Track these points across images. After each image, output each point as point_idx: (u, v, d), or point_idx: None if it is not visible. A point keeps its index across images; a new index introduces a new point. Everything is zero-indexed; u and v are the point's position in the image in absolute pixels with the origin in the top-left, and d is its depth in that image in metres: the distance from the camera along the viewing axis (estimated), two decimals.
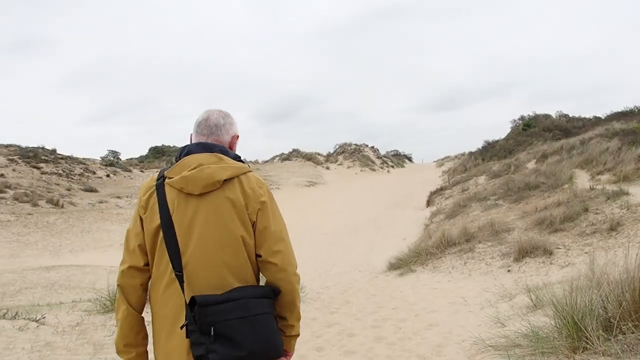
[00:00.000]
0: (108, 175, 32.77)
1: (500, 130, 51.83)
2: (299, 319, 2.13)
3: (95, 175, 31.89)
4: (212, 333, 1.77)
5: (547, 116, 50.38)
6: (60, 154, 33.24)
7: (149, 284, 2.04)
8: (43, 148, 33.01)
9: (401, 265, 12.61)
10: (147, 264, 2.01)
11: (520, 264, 9.57)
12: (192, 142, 2.14)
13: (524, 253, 9.77)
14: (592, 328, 3.76)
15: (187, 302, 1.85)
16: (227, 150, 2.09)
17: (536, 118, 49.87)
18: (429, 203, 28.35)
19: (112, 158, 39.09)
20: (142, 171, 35.83)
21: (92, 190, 27.99)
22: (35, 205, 22.04)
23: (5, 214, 20.14)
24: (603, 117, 42.60)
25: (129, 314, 2.03)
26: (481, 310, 6.85)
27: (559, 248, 9.73)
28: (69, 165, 31.68)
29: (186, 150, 2.04)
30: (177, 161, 2.02)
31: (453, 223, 16.50)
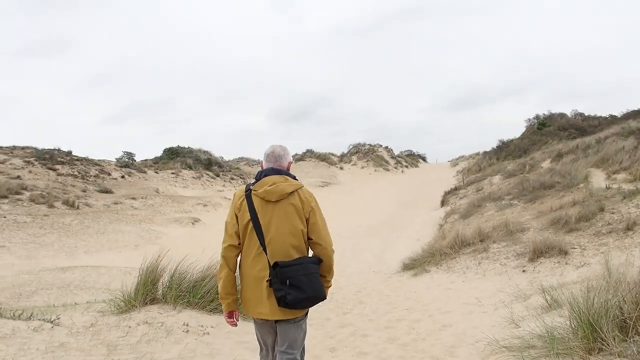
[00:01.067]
0: (123, 177, 33.01)
1: (517, 129, 51.36)
2: (332, 277, 3.47)
3: (111, 177, 32.15)
4: (287, 283, 3.08)
5: (562, 115, 49.92)
6: (75, 156, 33.56)
7: (239, 256, 3.30)
8: (59, 150, 33.35)
9: (415, 265, 12.56)
10: (239, 244, 3.27)
11: (535, 264, 9.48)
12: (264, 166, 3.43)
13: (538, 253, 9.67)
14: (608, 329, 3.70)
15: (271, 265, 3.14)
16: (288, 173, 3.43)
17: (551, 117, 49.44)
18: (443, 203, 28.22)
19: (127, 159, 39.36)
20: (156, 172, 36.03)
21: (107, 191, 28.21)
22: (51, 206, 22.27)
23: (21, 215, 20.38)
24: (619, 116, 42.10)
25: (228, 274, 3.30)
26: (495, 311, 6.80)
27: (575, 248, 9.62)
28: (85, 166, 31.97)
29: (264, 173, 3.35)
30: (257, 180, 3.33)
31: (467, 223, 16.40)
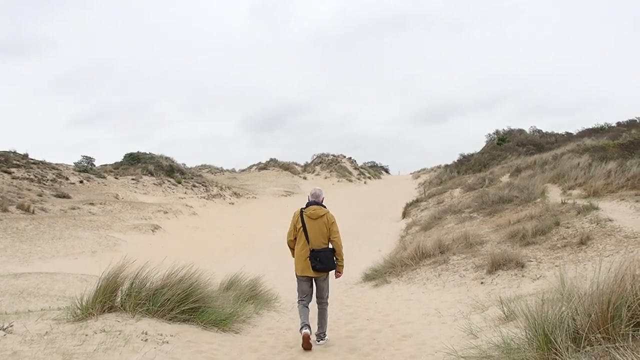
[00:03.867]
0: (81, 182, 32.22)
1: (482, 144, 52.35)
2: (342, 259, 6.43)
3: (68, 181, 31.34)
4: (317, 259, 6.22)
5: (521, 131, 51.32)
6: (32, 159, 32.59)
7: (295, 244, 6.45)
8: (14, 152, 32.33)
9: (376, 276, 12.65)
10: (295, 238, 6.41)
11: (493, 276, 9.69)
12: (310, 199, 6.54)
13: (496, 265, 9.88)
14: (562, 339, 3.81)
15: (311, 250, 6.27)
16: (322, 204, 6.55)
17: (511, 132, 50.77)
18: (404, 215, 28.56)
19: (85, 164, 38.45)
20: (116, 178, 35.29)
21: (64, 196, 27.49)
22: (4, 210, 21.55)
23: None
24: (575, 133, 43.51)
25: (292, 251, 6.56)
26: (454, 322, 6.91)
27: (531, 261, 9.87)
28: (41, 170, 31.08)
29: (309, 203, 6.48)
30: (307, 206, 6.44)
31: (428, 235, 16.63)
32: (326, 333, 6.53)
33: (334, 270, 6.43)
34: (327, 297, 6.56)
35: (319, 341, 6.40)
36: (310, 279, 6.40)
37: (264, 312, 8.49)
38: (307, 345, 6.03)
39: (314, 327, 6.42)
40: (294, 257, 6.45)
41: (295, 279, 6.52)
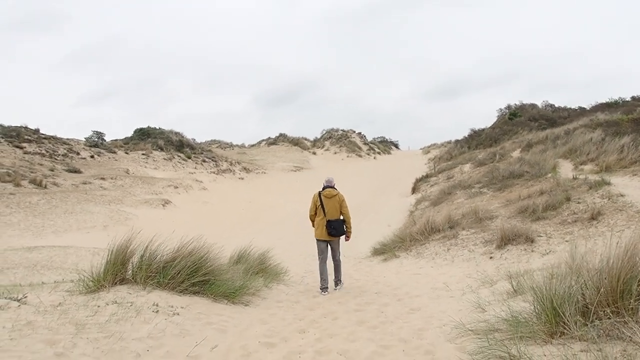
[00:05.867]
0: (92, 157, 32.40)
1: (492, 119, 51.83)
2: (351, 226, 8.54)
3: (79, 156, 31.52)
4: (332, 227, 8.25)
5: (533, 106, 50.68)
6: (43, 134, 32.74)
7: (315, 216, 8.51)
8: (26, 127, 32.47)
9: (385, 251, 12.69)
10: (315, 213, 8.46)
11: (502, 251, 9.68)
12: (325, 184, 8.56)
13: (506, 240, 9.88)
14: (570, 314, 3.82)
15: (327, 220, 8.29)
16: (334, 187, 8.55)
17: (522, 107, 50.16)
18: (414, 190, 28.50)
19: (96, 139, 38.59)
20: (127, 153, 35.44)
21: (75, 171, 27.69)
22: (17, 185, 21.76)
23: None
24: (588, 108, 42.94)
25: (312, 222, 8.63)
26: (463, 296, 6.93)
27: (541, 236, 9.85)
28: (53, 145, 31.26)
29: (325, 187, 8.52)
30: (323, 189, 8.47)
31: (437, 210, 16.61)
32: (341, 279, 8.70)
33: (344, 236, 8.54)
34: (339, 255, 8.63)
35: (336, 287, 8.53)
36: (326, 242, 8.40)
37: (273, 285, 8.56)
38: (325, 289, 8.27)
39: (331, 280, 8.58)
40: (314, 226, 8.56)
41: (315, 242, 8.53)
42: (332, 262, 8.52)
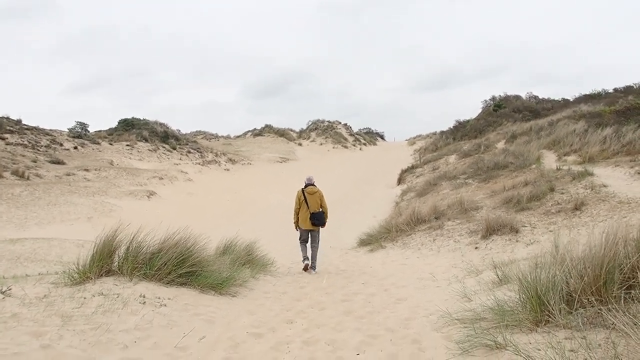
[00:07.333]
0: (76, 148, 32.02)
1: (477, 111, 52.08)
2: (327, 216, 10.20)
3: (63, 147, 31.14)
4: (315, 219, 9.91)
5: (517, 97, 50.99)
6: (25, 125, 32.25)
7: (299, 211, 10.06)
8: (8, 118, 31.94)
9: (371, 241, 12.76)
10: (300, 208, 10.00)
11: (487, 241, 9.78)
12: (306, 182, 10.17)
13: (491, 231, 9.98)
14: (555, 302, 3.87)
15: (310, 213, 9.89)
16: (314, 184, 10.22)
17: (507, 99, 50.46)
18: (400, 181, 28.62)
19: (79, 130, 38.13)
20: (111, 144, 35.08)
21: (59, 162, 27.36)
22: None
23: None
24: (571, 100, 43.30)
25: (296, 217, 10.08)
26: (448, 286, 6.99)
27: (525, 226, 9.95)
28: (35, 136, 30.83)
29: (307, 184, 10.11)
30: (306, 186, 10.08)
31: (423, 201, 16.70)
32: (315, 266, 9.97)
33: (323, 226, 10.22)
34: (317, 243, 10.14)
35: (312, 271, 9.78)
36: (308, 231, 10.01)
37: (260, 276, 8.57)
38: (306, 269, 9.82)
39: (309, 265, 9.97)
40: (297, 219, 10.03)
41: (299, 231, 10.16)
42: (311, 248, 10.10)
